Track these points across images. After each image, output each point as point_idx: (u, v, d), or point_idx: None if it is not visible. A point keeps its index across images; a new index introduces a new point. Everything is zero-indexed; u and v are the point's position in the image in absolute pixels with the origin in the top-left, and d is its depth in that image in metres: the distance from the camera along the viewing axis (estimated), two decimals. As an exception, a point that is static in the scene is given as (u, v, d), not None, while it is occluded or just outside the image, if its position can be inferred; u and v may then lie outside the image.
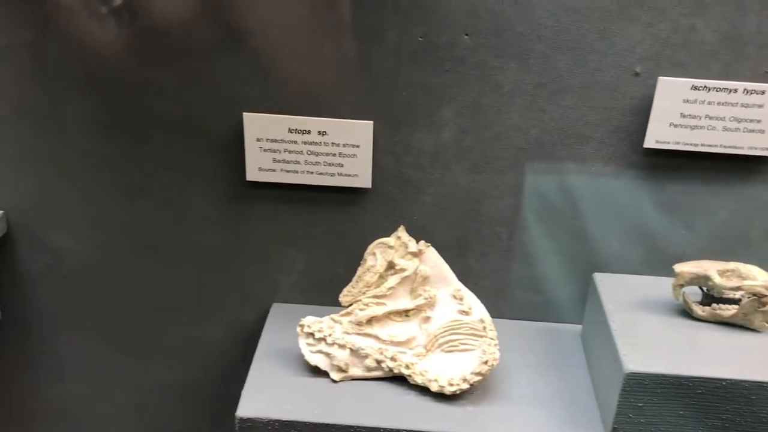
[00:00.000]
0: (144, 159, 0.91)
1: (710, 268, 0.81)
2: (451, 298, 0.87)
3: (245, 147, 0.89)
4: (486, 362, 0.81)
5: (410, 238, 0.87)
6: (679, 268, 0.81)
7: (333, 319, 0.85)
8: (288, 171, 0.90)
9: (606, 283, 0.89)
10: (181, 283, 0.98)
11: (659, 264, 0.92)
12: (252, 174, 0.90)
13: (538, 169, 0.90)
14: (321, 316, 0.86)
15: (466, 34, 0.83)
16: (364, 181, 0.90)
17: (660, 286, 0.87)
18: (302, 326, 0.84)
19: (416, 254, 0.86)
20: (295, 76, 0.86)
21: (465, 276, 0.90)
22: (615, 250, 0.93)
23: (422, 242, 0.87)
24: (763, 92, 0.82)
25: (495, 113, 0.87)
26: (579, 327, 0.96)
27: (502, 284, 0.96)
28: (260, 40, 0.84)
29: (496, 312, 0.93)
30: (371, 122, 0.87)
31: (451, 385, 0.80)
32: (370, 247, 0.87)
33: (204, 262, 0.96)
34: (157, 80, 0.87)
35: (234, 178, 0.91)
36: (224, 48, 0.85)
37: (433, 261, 0.87)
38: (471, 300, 0.87)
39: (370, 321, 0.85)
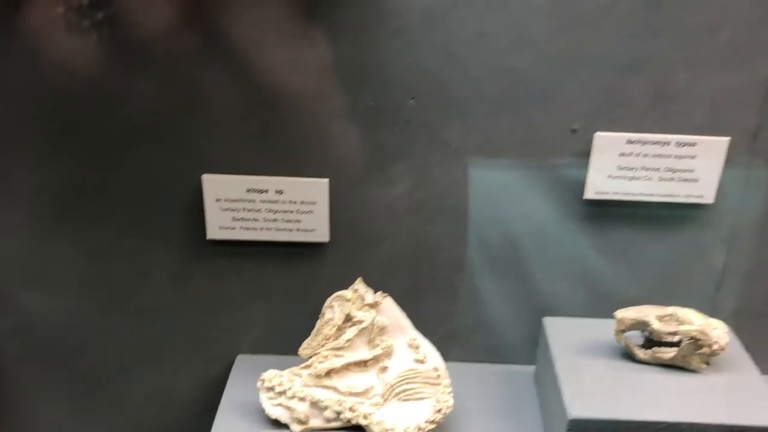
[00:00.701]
0: (109, 220, 0.94)
1: (649, 313, 0.85)
2: (408, 348, 0.91)
3: (205, 207, 0.92)
4: (439, 410, 0.84)
5: (368, 289, 0.90)
6: (620, 314, 0.86)
7: (293, 372, 0.88)
8: (247, 228, 0.93)
9: (554, 327, 0.93)
10: (147, 338, 1.00)
11: (606, 307, 0.95)
12: (213, 233, 0.94)
13: (487, 219, 0.94)
14: (285, 367, 0.89)
15: (412, 98, 0.87)
16: (322, 235, 0.94)
17: (606, 329, 0.90)
18: (263, 380, 0.87)
19: (373, 305, 0.90)
20: (252, 139, 0.90)
21: (422, 322, 0.93)
22: (563, 294, 0.97)
23: (379, 293, 0.90)
24: (694, 144, 0.87)
25: (444, 169, 0.91)
26: (533, 368, 0.99)
27: (458, 329, 1.00)
28: (217, 107, 0.88)
29: (453, 356, 0.97)
30: (327, 180, 0.91)
31: (407, 434, 0.84)
32: (328, 300, 0.90)
33: (169, 318, 0.99)
34: (121, 145, 0.90)
35: (195, 237, 0.95)
36: (184, 114, 0.88)
37: (389, 311, 0.91)
38: (426, 348, 0.90)
39: (329, 373, 0.88)
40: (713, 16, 0.82)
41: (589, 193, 0.90)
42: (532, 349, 0.99)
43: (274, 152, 0.90)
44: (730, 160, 0.88)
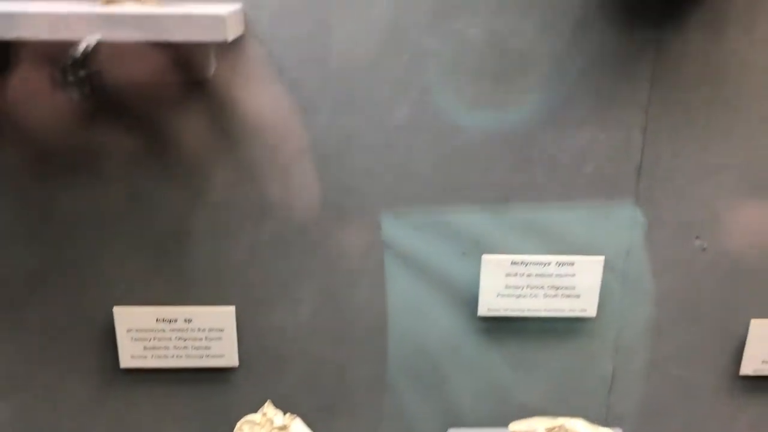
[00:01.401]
0: (23, 351, 0.96)
1: (539, 427, 0.90)
2: (316, 468, 0.94)
3: (117, 338, 0.95)
4: None
5: (277, 411, 0.94)
6: (512, 428, 0.91)
7: (203, 499, 0.90)
8: (159, 357, 0.97)
9: (457, 439, 0.98)
10: (62, 467, 1.02)
11: (508, 415, 1.00)
12: (125, 362, 0.97)
13: (393, 337, 0.99)
14: (198, 491, 0.91)
15: (315, 225, 0.93)
16: (231, 360, 0.97)
17: (505, 440, 0.95)
18: None
19: (282, 428, 0.93)
20: (162, 270, 0.94)
21: (334, 439, 0.97)
22: (470, 404, 1.02)
23: (288, 415, 0.94)
24: (572, 264, 0.94)
25: (348, 290, 0.96)
26: (444, 477, 1.03)
27: (370, 443, 1.04)
28: (127, 240, 0.93)
29: (367, 469, 1.01)
30: (233, 307, 0.95)
31: None
32: (238, 424, 0.93)
33: (84, 445, 1.01)
34: (34, 277, 0.94)
35: (109, 366, 0.97)
36: (95, 247, 0.93)
37: (299, 432, 0.94)
38: (334, 468, 0.94)
39: (239, 498, 0.90)
40: (579, 150, 0.91)
41: (483, 311, 0.96)
42: (442, 458, 1.04)
43: (182, 282, 0.95)
44: (607, 276, 0.96)
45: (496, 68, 0.87)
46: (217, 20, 0.70)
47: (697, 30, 0.86)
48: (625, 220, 0.94)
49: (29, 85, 0.85)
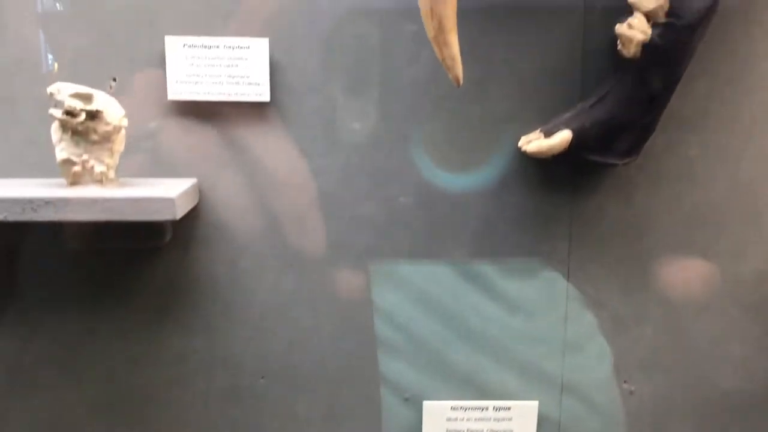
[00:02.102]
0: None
1: None
2: None
3: (74, 486, 0.99)
4: None
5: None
6: None
7: None
8: (115, 504, 1.00)
9: None
10: None
11: None
12: None
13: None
14: None
15: (262, 377, 0.99)
16: (185, 506, 1.01)
17: None
18: None
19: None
20: (118, 419, 0.99)
21: None
22: None
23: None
24: (509, 408, 1.00)
25: (297, 437, 1.02)
26: None
27: None
28: (83, 395, 0.98)
29: None
30: (188, 452, 1.00)
31: None
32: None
33: None
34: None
35: None
36: (54, 397, 0.98)
37: None
38: None
39: None
40: (509, 301, 0.98)
41: (425, 455, 1.01)
42: None
43: (137, 429, 1.00)
44: (542, 420, 1.01)
45: (426, 230, 0.96)
46: (167, 202, 0.78)
47: (609, 193, 0.96)
48: (555, 367, 1.00)
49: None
